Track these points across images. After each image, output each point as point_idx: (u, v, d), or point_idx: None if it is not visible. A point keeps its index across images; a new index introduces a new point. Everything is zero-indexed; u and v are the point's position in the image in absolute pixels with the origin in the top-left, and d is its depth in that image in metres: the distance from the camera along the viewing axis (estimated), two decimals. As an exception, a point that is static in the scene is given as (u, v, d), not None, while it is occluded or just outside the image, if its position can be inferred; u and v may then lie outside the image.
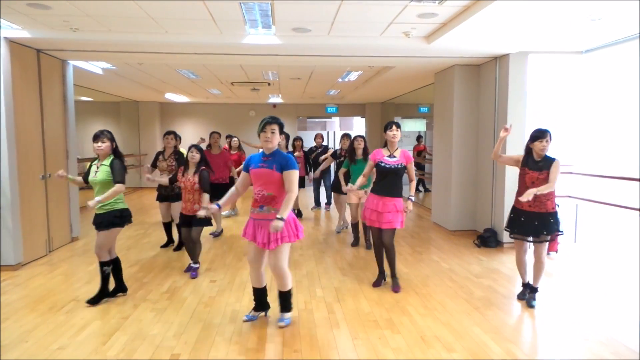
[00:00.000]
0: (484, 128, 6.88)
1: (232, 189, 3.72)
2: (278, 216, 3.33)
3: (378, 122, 14.05)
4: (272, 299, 3.92)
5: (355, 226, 6.41)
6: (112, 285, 4.33)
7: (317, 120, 15.37)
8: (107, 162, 4.05)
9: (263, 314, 3.89)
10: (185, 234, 5.06)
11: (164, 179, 5.29)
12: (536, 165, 4.03)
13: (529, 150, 4.13)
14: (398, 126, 4.51)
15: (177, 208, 5.98)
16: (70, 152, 6.59)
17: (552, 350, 3.36)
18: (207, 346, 3.35)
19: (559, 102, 6.34)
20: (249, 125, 14.03)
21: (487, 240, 6.35)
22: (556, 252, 5.89)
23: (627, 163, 5.86)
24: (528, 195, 3.76)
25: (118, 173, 4.01)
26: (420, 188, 12.20)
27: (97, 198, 3.93)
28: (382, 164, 4.45)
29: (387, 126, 4.53)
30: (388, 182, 4.48)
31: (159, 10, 4.49)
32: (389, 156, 4.47)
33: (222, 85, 10.06)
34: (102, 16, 4.67)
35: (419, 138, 12.58)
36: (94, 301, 4.17)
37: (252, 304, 3.87)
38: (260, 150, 3.60)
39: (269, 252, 3.58)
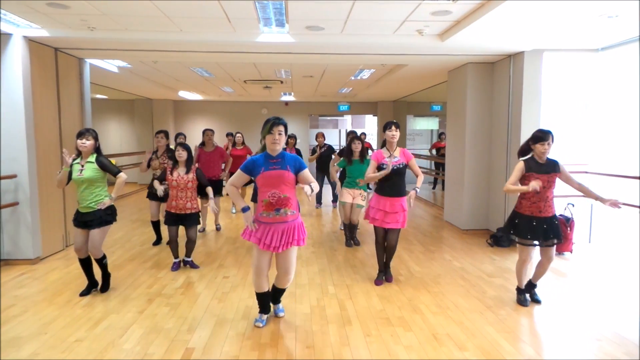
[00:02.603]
0: (498, 127, 6.83)
1: (233, 189, 3.53)
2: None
3: (390, 120, 14.01)
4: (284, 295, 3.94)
5: (347, 226, 6.36)
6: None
7: (328, 118, 15.38)
8: (92, 159, 4.11)
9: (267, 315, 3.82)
10: (174, 233, 5.07)
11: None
12: (542, 168, 3.88)
13: (526, 151, 4.00)
14: (397, 126, 4.51)
15: None
16: (87, 149, 6.69)
17: (565, 350, 3.34)
18: (220, 341, 3.40)
19: (574, 101, 6.27)
20: (260, 123, 14.02)
21: (500, 239, 6.31)
22: (570, 252, 5.84)
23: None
24: (536, 185, 3.70)
25: (112, 166, 4.17)
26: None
27: (114, 195, 4.13)
28: (384, 166, 4.41)
29: (386, 126, 4.50)
30: (392, 182, 4.47)
31: (175, 9, 4.54)
32: (389, 157, 4.46)
33: (235, 83, 10.12)
34: (119, 15, 4.74)
35: (440, 135, 12.37)
36: (104, 289, 4.42)
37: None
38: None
39: (282, 253, 3.51)
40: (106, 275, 4.48)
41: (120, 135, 13.66)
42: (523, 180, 3.95)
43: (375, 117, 14.48)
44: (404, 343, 3.38)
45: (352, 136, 6.33)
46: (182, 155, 4.96)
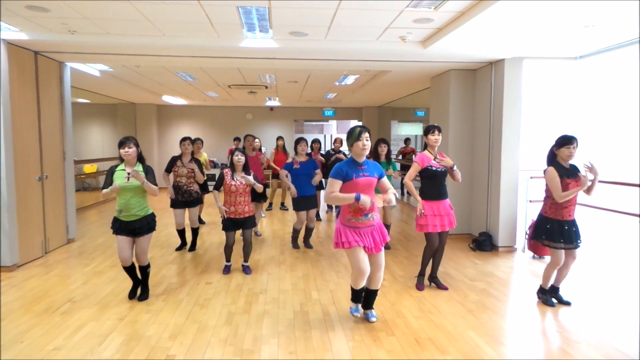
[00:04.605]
0: (480, 132, 6.93)
1: (337, 194, 3.44)
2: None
3: (375, 125, 14.11)
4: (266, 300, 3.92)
5: None
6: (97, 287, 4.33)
7: (314, 123, 15.44)
8: (140, 168, 4.12)
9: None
10: (233, 239, 5.14)
11: (220, 205, 5.06)
12: (569, 173, 4.04)
13: (554, 157, 4.12)
14: (440, 130, 4.51)
15: (195, 213, 6.17)
16: (67, 154, 6.59)
17: (544, 352, 3.39)
18: (202, 347, 3.37)
19: (553, 108, 6.40)
20: (246, 128, 14.04)
21: (482, 244, 6.39)
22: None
23: (623, 168, 5.92)
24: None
25: (154, 180, 4.18)
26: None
27: (145, 180, 4.02)
28: (433, 168, 4.48)
29: (429, 130, 4.49)
30: (439, 184, 4.55)
31: (157, 13, 4.51)
32: (436, 160, 4.50)
33: (219, 88, 10.08)
34: (100, 19, 4.70)
35: (406, 140, 12.56)
36: (144, 297, 4.35)
37: (252, 307, 3.93)
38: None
39: (377, 253, 3.62)
40: (146, 285, 4.43)
41: (102, 139, 13.45)
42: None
43: (360, 123, 14.57)
44: (386, 347, 3.38)
45: (377, 139, 6.32)
46: (241, 159, 4.99)
